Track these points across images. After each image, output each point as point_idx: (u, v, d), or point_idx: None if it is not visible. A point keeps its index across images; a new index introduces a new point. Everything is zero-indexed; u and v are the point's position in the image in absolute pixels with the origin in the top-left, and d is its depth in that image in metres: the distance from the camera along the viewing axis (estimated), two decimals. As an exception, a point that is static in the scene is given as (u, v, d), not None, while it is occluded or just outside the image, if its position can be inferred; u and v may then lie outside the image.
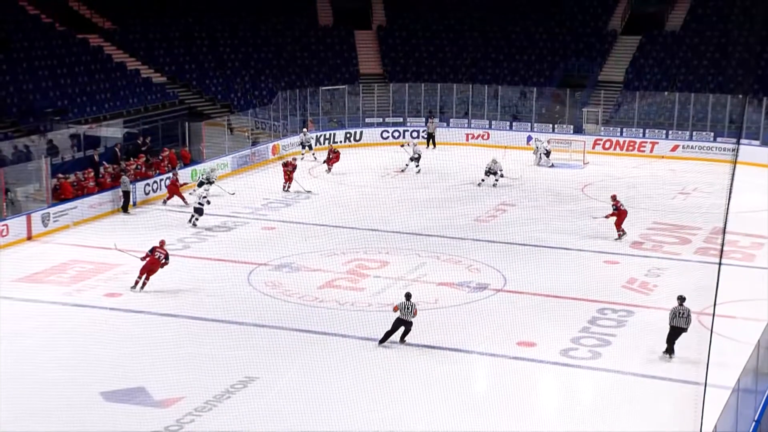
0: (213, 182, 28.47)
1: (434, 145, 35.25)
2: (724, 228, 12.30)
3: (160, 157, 30.15)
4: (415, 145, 33.30)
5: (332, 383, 15.40)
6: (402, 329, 16.94)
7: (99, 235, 24.34)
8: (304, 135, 34.98)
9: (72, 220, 25.35)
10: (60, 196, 25.80)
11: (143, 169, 28.98)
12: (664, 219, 26.37)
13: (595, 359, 16.61)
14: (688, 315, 16.58)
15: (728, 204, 11.62)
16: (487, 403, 15.13)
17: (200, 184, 28.19)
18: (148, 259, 19.80)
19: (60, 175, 26.35)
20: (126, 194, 27.03)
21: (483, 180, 30.31)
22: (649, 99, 38.41)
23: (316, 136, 37.57)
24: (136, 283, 19.82)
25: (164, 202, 27.89)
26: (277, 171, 30.56)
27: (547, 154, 34.16)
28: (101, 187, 27.22)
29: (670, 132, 36.85)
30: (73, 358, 16.32)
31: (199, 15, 42.64)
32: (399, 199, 28.47)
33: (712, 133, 36.11)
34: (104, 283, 20.52)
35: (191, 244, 23.77)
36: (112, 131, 31.45)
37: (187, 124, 33.01)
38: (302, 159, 33.70)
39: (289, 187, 29.61)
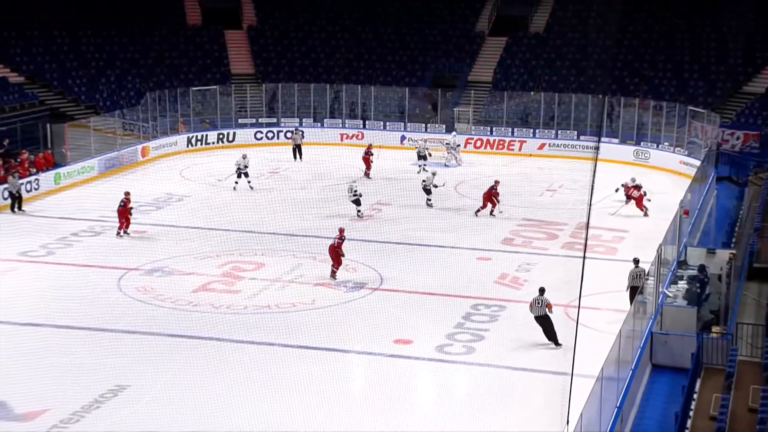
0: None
1: (300, 158, 34.44)
2: (588, 223, 12.80)
3: (19, 160, 28.80)
4: (425, 141, 34.09)
5: (208, 388, 15.11)
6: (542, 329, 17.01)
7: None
8: (244, 158, 30.07)
9: None
10: None
11: (1, 172, 27.58)
12: (533, 215, 27.27)
13: (469, 354, 16.98)
14: (642, 273, 18.52)
15: (591, 200, 12.11)
16: (365, 402, 15.21)
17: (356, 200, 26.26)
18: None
19: None
20: (12, 195, 25.96)
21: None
22: (517, 99, 39.69)
23: (188, 137, 36.81)
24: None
25: (123, 232, 24.19)
26: (146, 173, 29.75)
27: (455, 148, 34.68)
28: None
29: (537, 131, 38.18)
30: (-73, 375, 15.33)
31: (59, 11, 40.89)
32: (274, 200, 28.24)
33: (576, 132, 37.68)
34: (-40, 294, 19.37)
35: (56, 250, 22.80)
36: (-36, 133, 29.80)
37: (48, 125, 31.64)
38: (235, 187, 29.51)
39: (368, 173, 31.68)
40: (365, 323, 18.31)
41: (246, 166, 29.86)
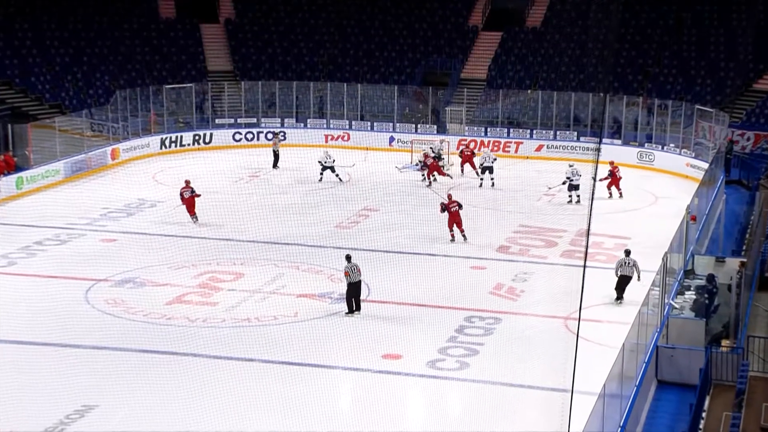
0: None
1: (275, 166, 34.22)
2: (588, 229, 12.85)
3: (-19, 162, 28.79)
4: (441, 142, 34.64)
5: (183, 407, 15.05)
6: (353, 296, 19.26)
7: None
8: (329, 157, 32.36)
9: None
10: None
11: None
12: (530, 222, 27.37)
13: (463, 369, 17.03)
14: (634, 264, 19.86)
15: (591, 205, 12.17)
16: (351, 421, 15.22)
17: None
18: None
19: None
20: None
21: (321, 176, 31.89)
22: (513, 97, 39.84)
23: (162, 138, 36.75)
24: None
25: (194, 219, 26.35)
26: (116, 177, 29.75)
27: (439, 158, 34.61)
28: None
29: (534, 131, 38.32)
30: None
31: (21, 4, 40.76)
32: (254, 206, 28.21)
33: (576, 132, 37.83)
34: None
35: (18, 260, 22.73)
36: None
37: (9, 126, 31.54)
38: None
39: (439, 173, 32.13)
40: (352, 337, 18.32)
41: (333, 161, 32.02)
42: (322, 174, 32.02)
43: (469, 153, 33.12)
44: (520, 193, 31.28)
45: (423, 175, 32.32)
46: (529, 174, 34.37)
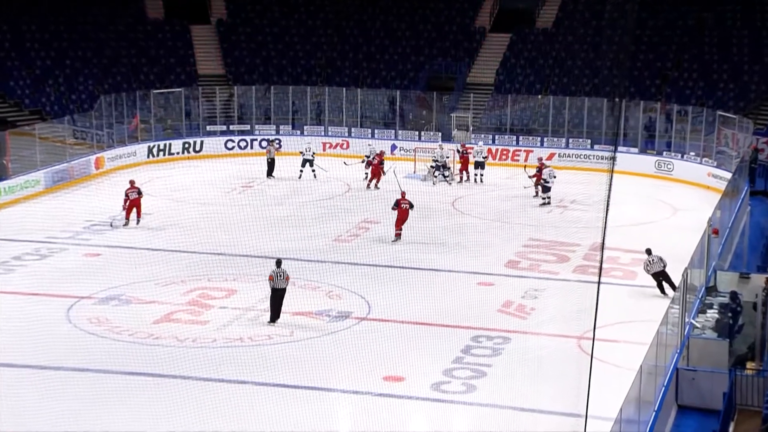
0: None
1: (271, 174, 34.28)
2: (603, 243, 12.87)
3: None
4: (441, 149, 35.13)
5: (171, 434, 15.08)
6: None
7: None
8: (308, 150, 34.23)
9: None
10: None
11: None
12: (541, 235, 27.39)
13: (469, 393, 17.01)
14: (660, 259, 21.49)
15: (606, 217, 12.18)
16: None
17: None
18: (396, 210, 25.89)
19: None
20: None
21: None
22: (522, 103, 39.91)
23: (149, 146, 36.84)
24: None
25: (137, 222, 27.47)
26: (100, 188, 29.76)
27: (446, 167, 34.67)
28: None
29: (545, 139, 38.38)
30: None
31: (-1, 5, 41.07)
32: (248, 218, 28.27)
33: (590, 140, 37.90)
34: None
35: (-5, 277, 22.76)
36: None
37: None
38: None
39: (376, 184, 32.46)
40: (351, 358, 18.33)
41: (314, 154, 33.90)
42: (302, 170, 33.54)
43: (466, 156, 34.35)
44: (531, 204, 31.34)
45: (366, 174, 32.96)
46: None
